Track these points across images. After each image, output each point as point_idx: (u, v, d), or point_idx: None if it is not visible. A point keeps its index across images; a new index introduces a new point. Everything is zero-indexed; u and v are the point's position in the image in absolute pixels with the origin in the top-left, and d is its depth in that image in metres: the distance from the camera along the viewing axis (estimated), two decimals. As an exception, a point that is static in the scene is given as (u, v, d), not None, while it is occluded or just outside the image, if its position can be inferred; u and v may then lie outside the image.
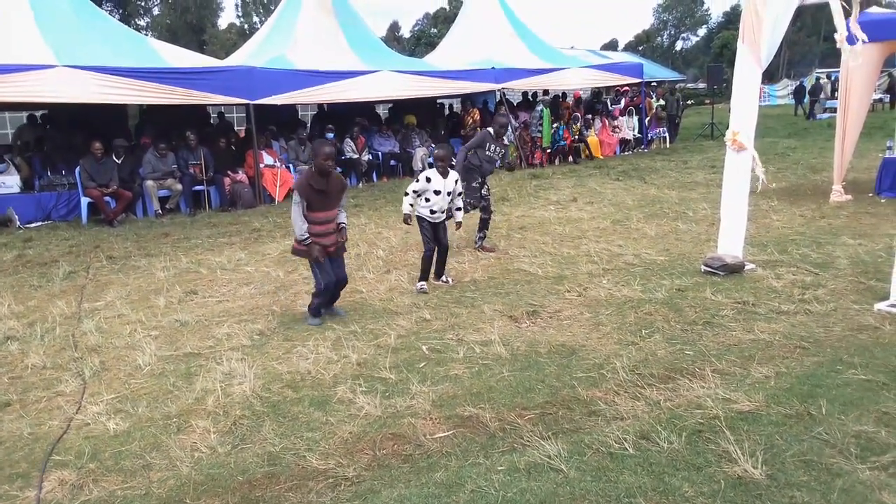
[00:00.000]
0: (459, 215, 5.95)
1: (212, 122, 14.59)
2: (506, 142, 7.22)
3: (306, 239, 4.89)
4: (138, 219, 10.05)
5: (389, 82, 12.57)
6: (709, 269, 5.88)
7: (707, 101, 25.78)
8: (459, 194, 5.86)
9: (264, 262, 7.11)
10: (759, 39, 5.68)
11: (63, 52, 9.21)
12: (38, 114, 13.22)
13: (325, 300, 5.17)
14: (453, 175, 5.76)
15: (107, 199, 9.58)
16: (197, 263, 7.14)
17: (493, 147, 7.02)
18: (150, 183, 10.12)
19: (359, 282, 6.18)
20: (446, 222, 5.91)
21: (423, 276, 5.90)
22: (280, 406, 3.77)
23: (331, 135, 12.42)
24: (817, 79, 29.13)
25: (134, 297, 6.02)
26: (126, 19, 38.16)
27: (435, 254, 5.86)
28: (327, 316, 5.22)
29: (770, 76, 38.04)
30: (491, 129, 7.10)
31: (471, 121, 14.98)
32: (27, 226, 9.36)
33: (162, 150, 10.31)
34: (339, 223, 5.11)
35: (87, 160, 9.66)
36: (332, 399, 3.82)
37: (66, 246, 8.19)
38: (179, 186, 10.42)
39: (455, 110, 17.48)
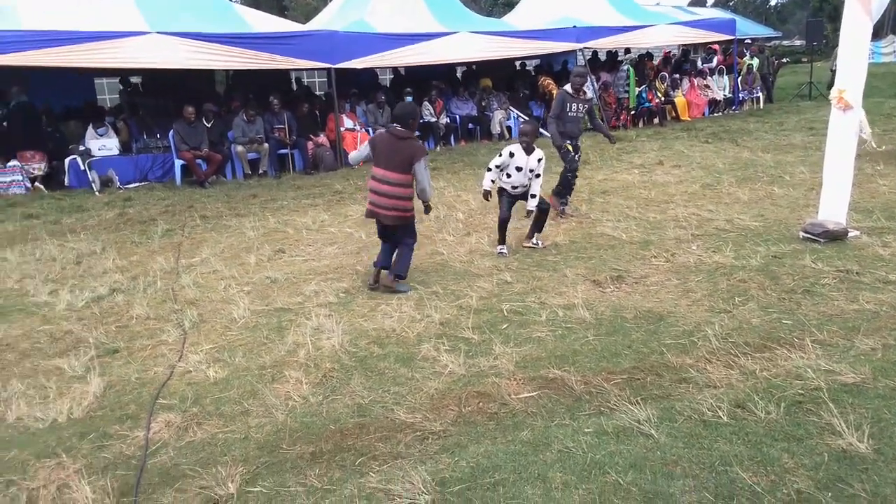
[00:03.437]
0: (532, 203, 5.68)
1: (293, 87, 14.85)
2: (589, 95, 6.93)
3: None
4: (227, 181, 10.43)
5: (468, 44, 12.39)
6: (808, 236, 5.56)
7: (804, 59, 24.09)
8: (538, 176, 5.64)
9: (347, 224, 7.25)
10: (874, -13, 5.22)
11: (155, 20, 9.54)
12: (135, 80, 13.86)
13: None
14: (537, 153, 5.60)
15: (198, 161, 9.99)
16: (284, 224, 7.37)
17: (573, 106, 6.77)
18: (239, 149, 10.43)
19: (439, 244, 6.22)
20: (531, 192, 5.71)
21: (501, 240, 5.87)
22: (367, 361, 3.87)
23: (409, 98, 12.41)
24: None
25: (227, 255, 6.28)
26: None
27: (533, 214, 5.81)
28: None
29: (875, 32, 35.05)
30: (568, 87, 6.81)
31: (544, 86, 14.49)
32: (126, 186, 9.89)
33: (251, 115, 10.58)
34: None
35: (180, 124, 10.07)
36: (417, 356, 3.89)
37: (163, 205, 8.62)
38: (266, 145, 10.69)
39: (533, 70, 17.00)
